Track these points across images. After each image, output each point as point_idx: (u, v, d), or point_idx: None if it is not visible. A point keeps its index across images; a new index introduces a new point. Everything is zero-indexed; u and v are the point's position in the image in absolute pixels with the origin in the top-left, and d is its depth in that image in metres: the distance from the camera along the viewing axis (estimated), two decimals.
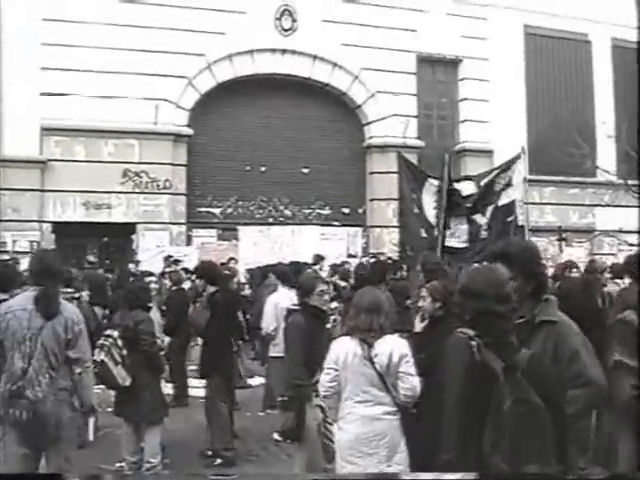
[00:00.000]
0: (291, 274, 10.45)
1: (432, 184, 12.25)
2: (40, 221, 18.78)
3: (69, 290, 8.84)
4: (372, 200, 21.92)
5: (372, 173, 21.95)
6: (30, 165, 18.69)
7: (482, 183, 12.57)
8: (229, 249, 19.01)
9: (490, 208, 12.34)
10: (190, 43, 19.83)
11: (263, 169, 21.24)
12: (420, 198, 12.33)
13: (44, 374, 5.99)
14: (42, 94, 18.65)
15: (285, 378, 7.94)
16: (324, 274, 14.44)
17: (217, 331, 9.19)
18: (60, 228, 18.78)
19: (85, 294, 9.59)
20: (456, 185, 12.63)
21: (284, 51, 21.07)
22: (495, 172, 12.94)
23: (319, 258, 16.55)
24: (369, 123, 22.14)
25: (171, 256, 17.11)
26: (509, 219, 12.36)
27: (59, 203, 18.95)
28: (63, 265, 7.18)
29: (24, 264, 11.61)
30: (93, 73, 18.82)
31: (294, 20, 21.08)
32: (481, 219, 12.26)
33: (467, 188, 12.56)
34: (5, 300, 6.61)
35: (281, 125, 21.26)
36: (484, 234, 12.20)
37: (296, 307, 7.93)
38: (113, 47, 18.99)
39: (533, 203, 17.93)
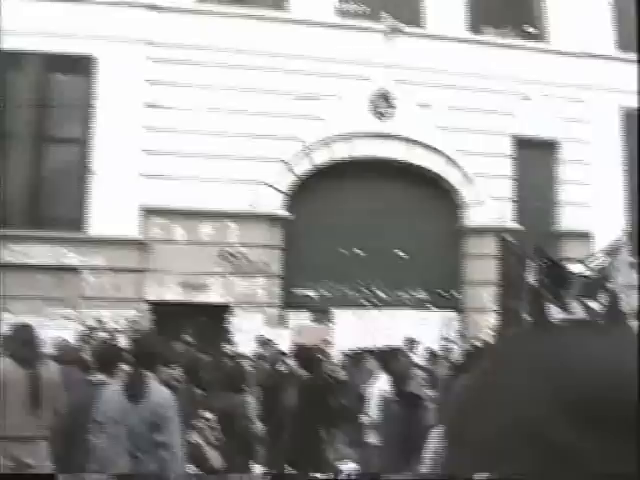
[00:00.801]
0: (390, 359, 10.27)
1: (535, 265, 11.99)
2: (139, 300, 19.14)
3: (168, 371, 8.86)
4: (468, 283, 21.61)
5: (468, 256, 21.69)
6: (130, 245, 19.17)
7: (591, 266, 12.28)
8: (324, 332, 18.93)
9: (601, 293, 12.00)
10: (287, 127, 20.22)
11: (359, 252, 21.24)
12: (524, 280, 12.07)
13: (125, 456, 5.99)
14: (142, 175, 19.26)
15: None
16: (419, 359, 14.18)
17: (309, 416, 9.07)
18: (158, 308, 19.09)
19: (180, 374, 9.60)
20: (562, 265, 12.36)
21: (380, 135, 21.26)
22: (602, 256, 12.63)
23: (413, 342, 16.30)
24: (465, 206, 22.01)
25: (266, 338, 17.12)
26: (619, 305, 11.99)
27: (157, 283, 19.31)
28: (161, 345, 7.21)
29: (122, 343, 11.76)
30: (192, 156, 19.35)
31: (390, 104, 21.29)
32: (594, 304, 11.92)
33: (575, 268, 12.27)
34: (103, 381, 6.69)
35: (377, 208, 21.24)
36: (599, 320, 11.83)
37: (391, 394, 7.77)
38: (212, 132, 19.52)
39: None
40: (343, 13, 21.26)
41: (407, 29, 21.10)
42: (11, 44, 17.74)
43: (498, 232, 17.35)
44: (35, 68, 19.25)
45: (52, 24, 18.55)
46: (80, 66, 19.44)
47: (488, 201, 21.66)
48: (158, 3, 19.70)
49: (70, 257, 18.71)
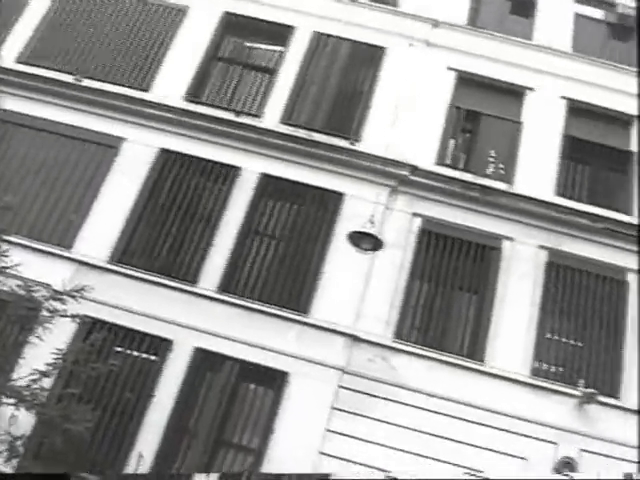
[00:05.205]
0: None
1: None
2: None
3: None
4: None
5: None
6: None
7: None
8: None
9: None
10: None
11: None
12: None
13: None
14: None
15: None
16: None
17: None
18: None
19: None
20: None
21: None
22: None
23: None
24: None
25: None
26: None
27: None
28: None
29: None
30: None
31: (574, 472, 20.06)
32: None
33: None
34: None
35: None
36: None
37: None
38: (389, 468, 18.90)
39: None
40: (538, 373, 20.96)
41: (602, 399, 20.42)
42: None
43: None
44: (231, 374, 20.04)
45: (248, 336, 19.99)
46: (270, 379, 20.11)
47: None
48: None
49: None
